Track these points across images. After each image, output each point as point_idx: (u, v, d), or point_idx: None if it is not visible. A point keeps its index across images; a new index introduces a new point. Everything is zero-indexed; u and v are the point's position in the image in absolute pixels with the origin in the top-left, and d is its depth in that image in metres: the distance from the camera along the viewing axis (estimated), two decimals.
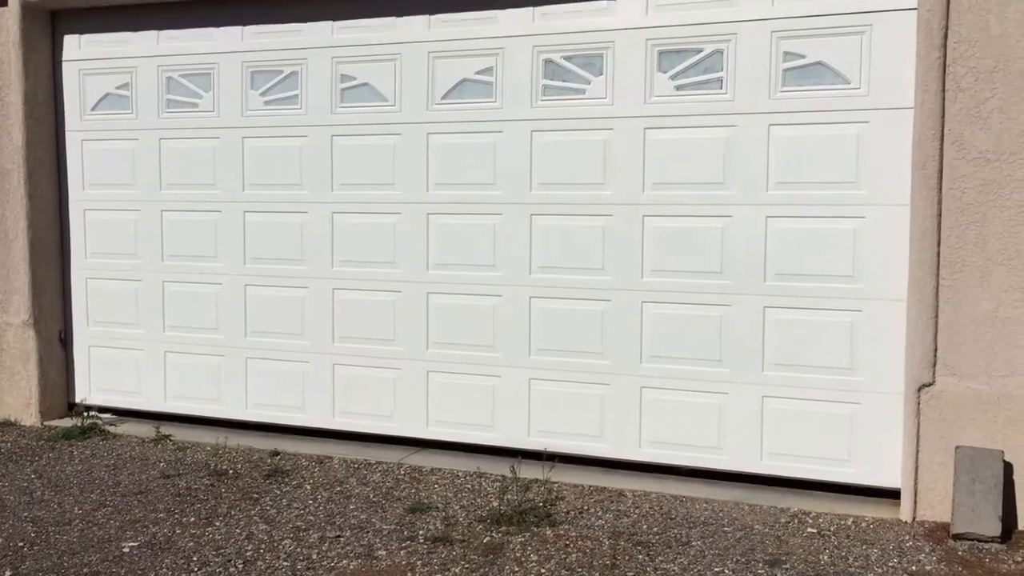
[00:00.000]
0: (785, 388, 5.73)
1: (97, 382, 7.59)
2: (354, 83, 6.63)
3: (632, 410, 6.08)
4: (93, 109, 7.41)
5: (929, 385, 5.22)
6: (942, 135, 5.11)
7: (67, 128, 7.49)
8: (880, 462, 5.52)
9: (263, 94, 6.88)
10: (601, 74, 6.01)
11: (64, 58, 7.44)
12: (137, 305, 7.41)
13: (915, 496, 5.25)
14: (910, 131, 5.27)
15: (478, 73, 6.30)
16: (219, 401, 7.20)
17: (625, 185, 5.99)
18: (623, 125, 5.98)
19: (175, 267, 7.25)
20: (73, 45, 7.42)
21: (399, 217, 6.57)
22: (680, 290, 5.92)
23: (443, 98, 6.40)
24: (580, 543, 4.93)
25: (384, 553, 4.83)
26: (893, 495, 5.44)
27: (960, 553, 4.81)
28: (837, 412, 5.62)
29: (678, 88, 5.86)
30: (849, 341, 5.56)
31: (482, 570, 4.60)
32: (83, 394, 7.59)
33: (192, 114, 7.10)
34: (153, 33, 7.17)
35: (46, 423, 7.39)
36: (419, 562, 4.70)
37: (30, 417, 7.42)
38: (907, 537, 5.01)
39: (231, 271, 7.07)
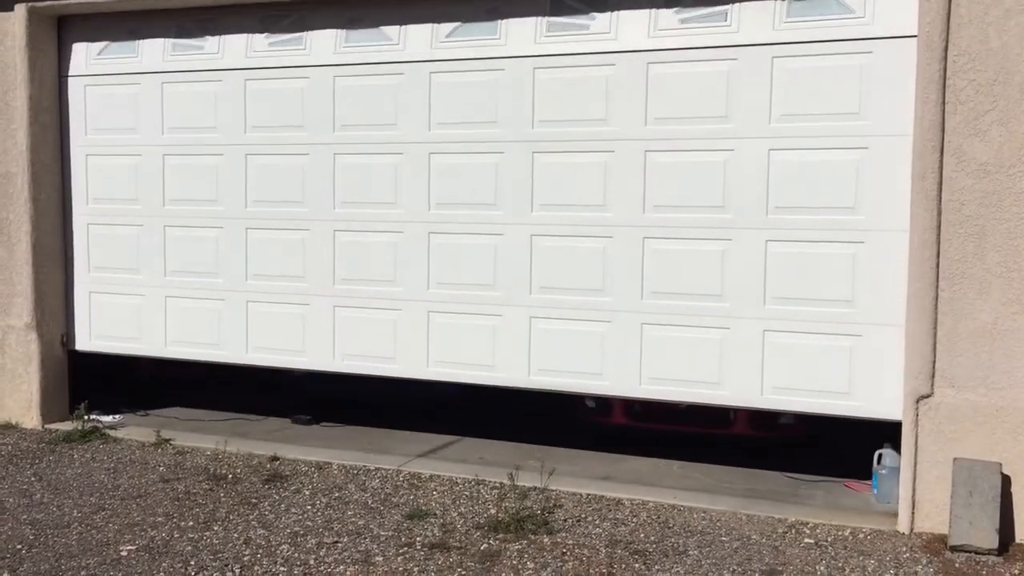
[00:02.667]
0: (786, 322, 5.69)
1: (97, 329, 7.57)
2: (360, 25, 6.61)
3: (633, 347, 6.05)
4: (99, 54, 7.40)
5: (927, 397, 5.22)
6: (942, 147, 5.12)
7: (71, 73, 7.49)
8: (881, 395, 5.49)
9: (267, 36, 6.86)
10: (605, 10, 5.99)
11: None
12: (138, 251, 7.40)
13: (913, 507, 5.25)
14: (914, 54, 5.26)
15: (483, 11, 6.28)
16: (219, 346, 7.18)
17: (627, 121, 5.98)
18: (626, 60, 5.95)
19: (176, 212, 7.23)
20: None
21: (401, 158, 6.54)
22: (682, 225, 5.90)
23: (447, 37, 6.38)
24: (577, 551, 4.94)
25: (381, 559, 4.83)
26: (883, 514, 5.44)
27: (957, 565, 4.81)
28: (838, 345, 5.58)
29: (682, 22, 5.85)
30: (851, 273, 5.53)
31: None
32: (83, 342, 7.59)
33: (196, 56, 7.07)
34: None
35: (47, 426, 7.41)
36: (416, 568, 4.70)
37: (31, 420, 7.44)
38: (904, 549, 5.01)
39: (232, 215, 7.04)
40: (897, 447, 5.48)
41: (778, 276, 5.71)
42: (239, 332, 7.10)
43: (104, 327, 7.56)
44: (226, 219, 7.08)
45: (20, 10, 7.23)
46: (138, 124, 7.33)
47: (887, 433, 5.69)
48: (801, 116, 5.62)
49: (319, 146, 6.74)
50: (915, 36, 5.25)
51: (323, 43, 6.71)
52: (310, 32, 6.73)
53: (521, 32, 6.21)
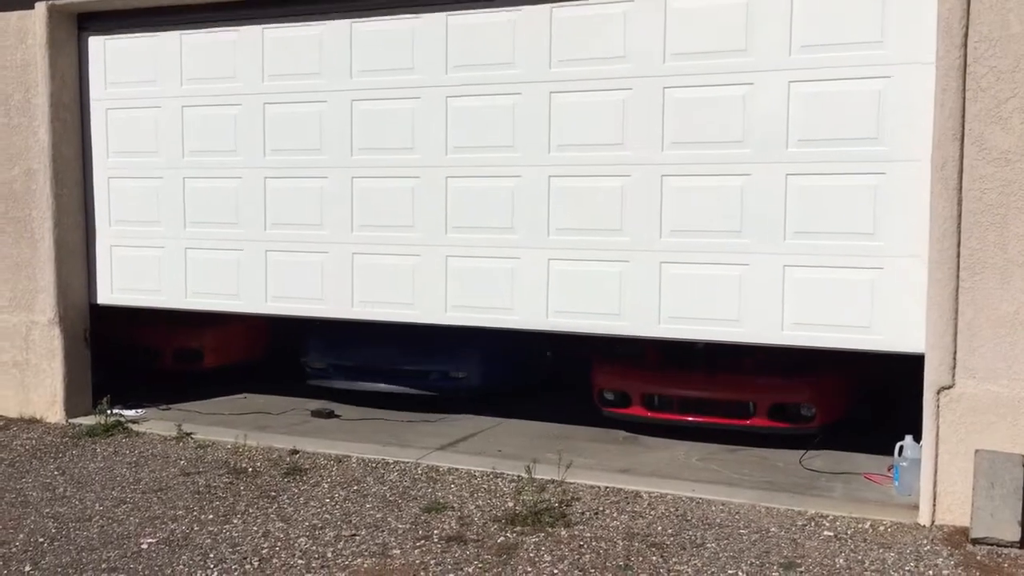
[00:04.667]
0: (807, 256, 5.63)
1: (119, 282, 7.63)
2: None
3: (652, 286, 6.00)
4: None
5: (949, 388, 5.17)
6: (962, 135, 5.06)
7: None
8: (903, 328, 5.41)
9: None
10: None
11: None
12: (158, 204, 7.43)
13: (934, 500, 5.20)
14: None
15: None
16: (239, 296, 7.20)
17: (644, 57, 5.92)
18: None
19: (195, 163, 7.25)
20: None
21: (418, 102, 6.52)
22: (701, 162, 5.83)
23: None
24: (594, 544, 4.93)
25: (398, 552, 4.85)
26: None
27: (979, 558, 4.76)
28: (859, 279, 5.51)
29: None
30: (872, 205, 5.45)
31: (495, 570, 4.61)
32: (105, 295, 7.66)
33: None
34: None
35: (71, 420, 7.49)
36: (432, 561, 4.72)
37: (55, 414, 7.52)
38: (925, 541, 4.96)
39: (251, 164, 7.05)
40: (918, 438, 5.43)
41: (798, 210, 5.63)
42: (258, 282, 7.11)
43: (126, 281, 7.61)
44: (244, 168, 7.09)
45: (40, 8, 7.29)
46: (157, 76, 7.35)
47: (908, 425, 5.65)
48: (822, 47, 5.53)
49: (336, 93, 6.72)
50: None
51: None
52: None
53: None
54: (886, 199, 5.44)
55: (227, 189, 7.18)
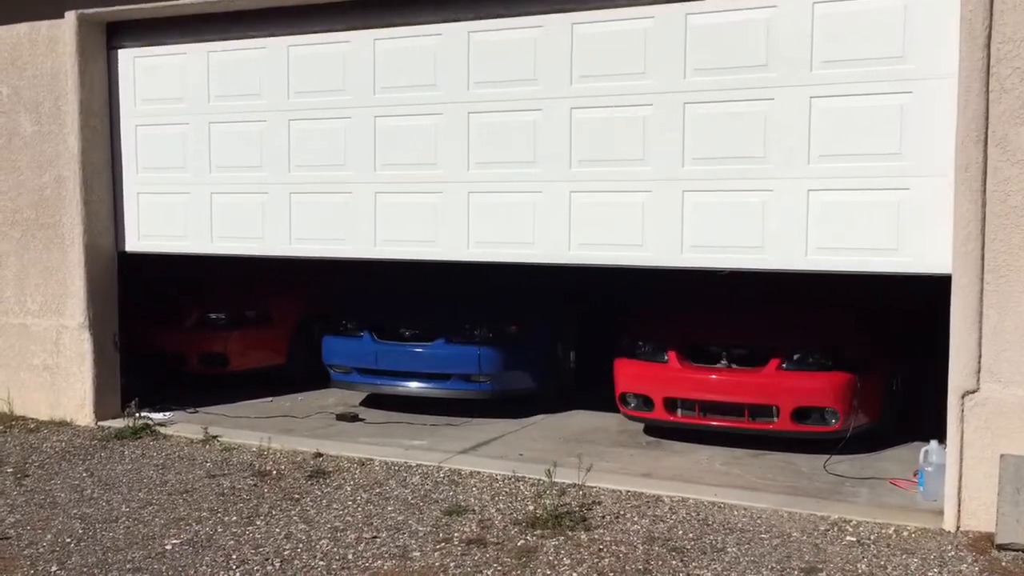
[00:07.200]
0: (832, 180, 5.56)
1: (145, 229, 7.69)
2: None
3: (674, 215, 5.95)
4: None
5: (973, 392, 5.11)
6: (986, 137, 5.01)
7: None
8: (930, 249, 5.33)
9: None
10: None
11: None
12: (184, 149, 7.47)
13: (959, 505, 5.14)
14: None
15: None
16: (263, 239, 7.23)
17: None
18: None
19: (220, 108, 7.29)
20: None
21: (440, 39, 6.49)
22: (723, 88, 5.78)
23: None
24: (614, 548, 4.93)
25: (419, 554, 4.87)
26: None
27: (1004, 564, 4.70)
28: (885, 200, 5.44)
29: None
30: (899, 125, 5.38)
31: (514, 573, 4.62)
32: (132, 244, 7.75)
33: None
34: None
35: (100, 423, 7.59)
36: (452, 563, 4.74)
37: (84, 417, 7.63)
38: (949, 547, 4.91)
39: (275, 107, 7.07)
40: (944, 443, 5.37)
41: (822, 134, 5.57)
42: (282, 225, 7.13)
43: (151, 228, 7.68)
44: (269, 112, 7.11)
45: (70, 17, 7.41)
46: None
47: (932, 431, 5.59)
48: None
49: (358, 32, 6.71)
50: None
51: None
52: None
53: None
54: (912, 118, 5.35)
55: (252, 133, 7.17)
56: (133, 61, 7.62)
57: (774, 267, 5.78)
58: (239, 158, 7.27)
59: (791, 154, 5.66)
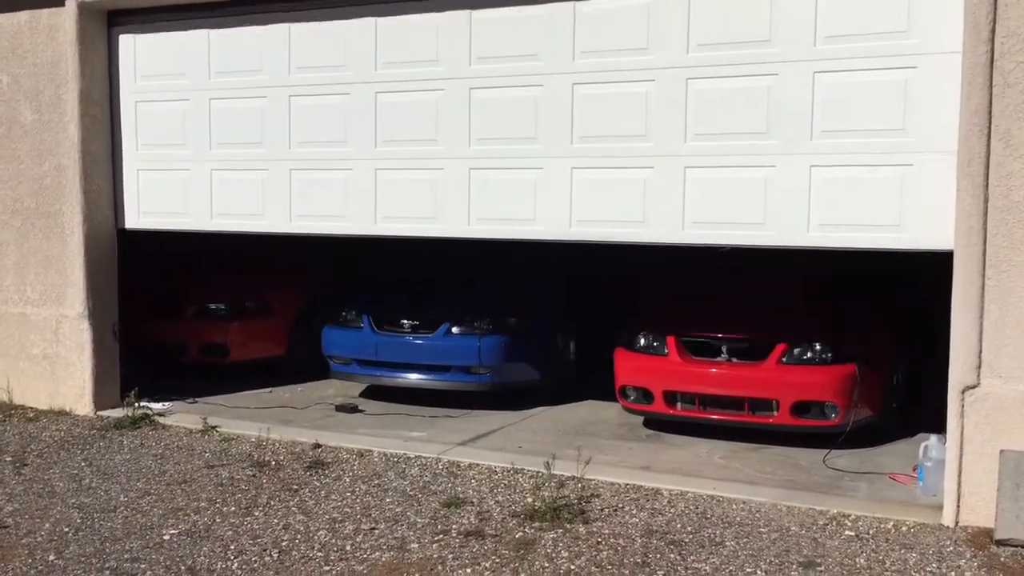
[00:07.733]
0: (834, 156, 5.53)
1: (146, 206, 7.65)
2: None
3: (676, 191, 5.92)
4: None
5: (973, 387, 5.10)
6: (989, 131, 4.98)
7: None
8: (933, 225, 5.30)
9: None
10: None
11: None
12: (184, 126, 7.44)
13: (958, 500, 5.13)
14: None
15: None
16: (263, 216, 7.19)
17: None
18: None
19: (221, 84, 7.25)
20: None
21: (442, 15, 6.44)
22: (726, 63, 5.75)
23: None
24: (612, 540, 4.92)
25: (416, 546, 4.87)
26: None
27: (1002, 560, 4.70)
28: (888, 176, 5.41)
29: None
30: (902, 100, 5.35)
31: (512, 565, 4.62)
32: (132, 221, 7.70)
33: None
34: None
35: (99, 413, 7.58)
36: (450, 555, 4.73)
37: (84, 407, 7.62)
38: (948, 542, 4.91)
39: (276, 83, 7.03)
40: (944, 438, 5.36)
41: (825, 109, 5.54)
42: (282, 201, 7.10)
43: (151, 204, 7.65)
44: (270, 88, 7.08)
45: (71, 5, 7.38)
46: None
47: (932, 426, 5.58)
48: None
49: (360, 7, 6.68)
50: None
51: None
52: None
53: None
54: (916, 93, 5.32)
55: (252, 109, 7.14)
56: (134, 39, 7.58)
57: (776, 243, 5.76)
58: (239, 134, 7.24)
59: (794, 130, 5.63)
